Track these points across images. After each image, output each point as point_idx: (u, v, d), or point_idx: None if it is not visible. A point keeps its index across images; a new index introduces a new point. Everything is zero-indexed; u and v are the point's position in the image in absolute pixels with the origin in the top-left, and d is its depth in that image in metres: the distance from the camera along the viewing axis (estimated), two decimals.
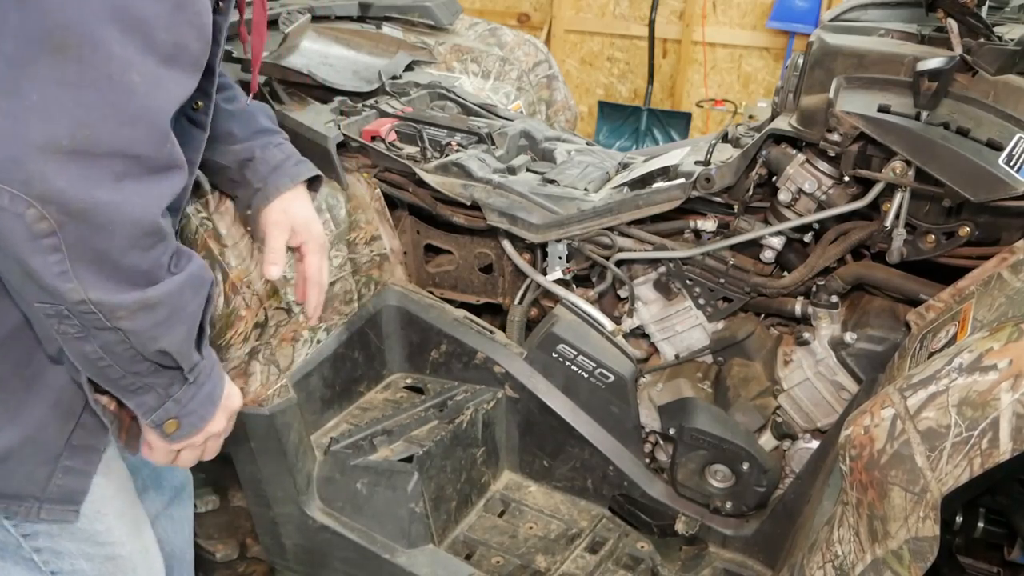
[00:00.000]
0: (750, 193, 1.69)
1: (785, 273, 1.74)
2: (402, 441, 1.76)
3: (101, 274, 0.85)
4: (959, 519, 1.46)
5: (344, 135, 1.91)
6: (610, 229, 1.80)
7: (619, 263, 1.83)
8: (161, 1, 0.80)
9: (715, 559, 1.73)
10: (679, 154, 1.89)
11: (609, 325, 1.83)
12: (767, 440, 1.73)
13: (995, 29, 1.56)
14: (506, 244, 1.92)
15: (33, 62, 0.73)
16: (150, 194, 0.84)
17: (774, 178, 1.67)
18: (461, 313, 1.93)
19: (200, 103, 1.10)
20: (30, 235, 0.78)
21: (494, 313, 2.11)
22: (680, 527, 1.73)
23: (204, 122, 1.13)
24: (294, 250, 1.39)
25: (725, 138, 1.90)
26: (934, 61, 1.46)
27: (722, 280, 1.77)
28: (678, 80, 4.92)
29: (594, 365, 1.79)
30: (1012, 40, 1.50)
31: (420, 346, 1.96)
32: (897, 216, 1.53)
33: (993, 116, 1.44)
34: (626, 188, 1.87)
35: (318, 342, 1.79)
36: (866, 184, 1.57)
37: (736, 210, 1.74)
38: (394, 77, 2.29)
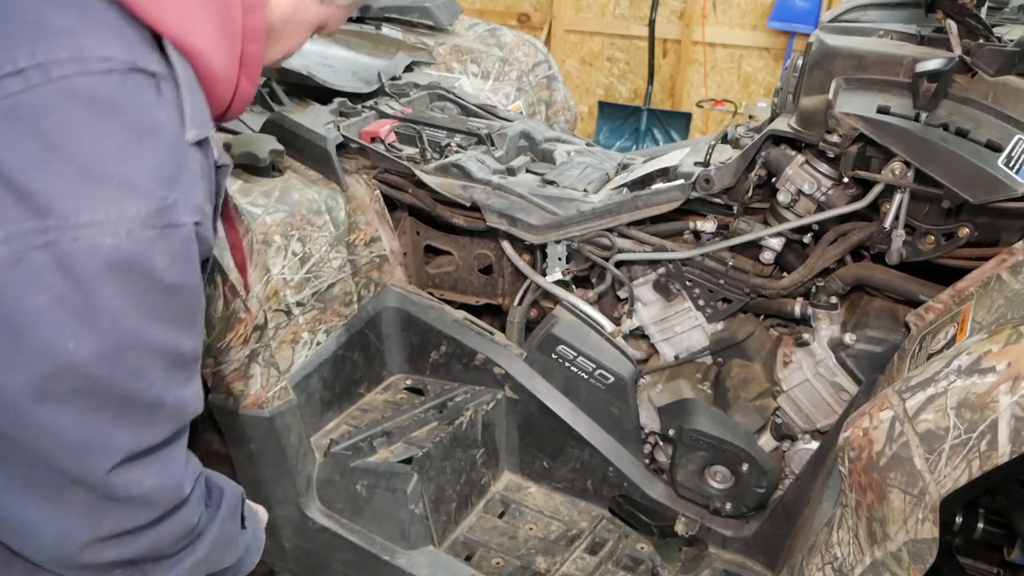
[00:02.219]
0: (749, 194, 1.69)
1: (784, 274, 1.74)
2: (402, 443, 1.76)
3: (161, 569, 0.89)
4: (959, 520, 1.46)
5: (343, 136, 1.91)
6: (609, 230, 1.80)
7: (619, 264, 1.83)
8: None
9: (715, 560, 1.73)
10: (679, 155, 1.89)
11: (609, 326, 1.83)
12: (767, 441, 1.73)
13: (995, 30, 1.56)
14: (506, 245, 1.92)
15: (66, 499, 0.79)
16: (182, 521, 0.88)
17: (773, 179, 1.67)
18: (461, 314, 1.93)
19: None
20: None
21: (494, 314, 2.11)
22: (680, 528, 1.73)
23: None
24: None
25: (725, 139, 1.90)
26: (933, 62, 1.46)
27: (721, 281, 1.76)
28: (678, 80, 4.92)
29: (594, 366, 1.78)
30: (1011, 41, 1.50)
31: (420, 347, 1.96)
32: (896, 217, 1.53)
33: (992, 117, 1.43)
34: (625, 189, 1.87)
35: (318, 344, 1.79)
36: (865, 185, 1.57)
37: (735, 211, 1.74)
38: (394, 78, 2.29)
